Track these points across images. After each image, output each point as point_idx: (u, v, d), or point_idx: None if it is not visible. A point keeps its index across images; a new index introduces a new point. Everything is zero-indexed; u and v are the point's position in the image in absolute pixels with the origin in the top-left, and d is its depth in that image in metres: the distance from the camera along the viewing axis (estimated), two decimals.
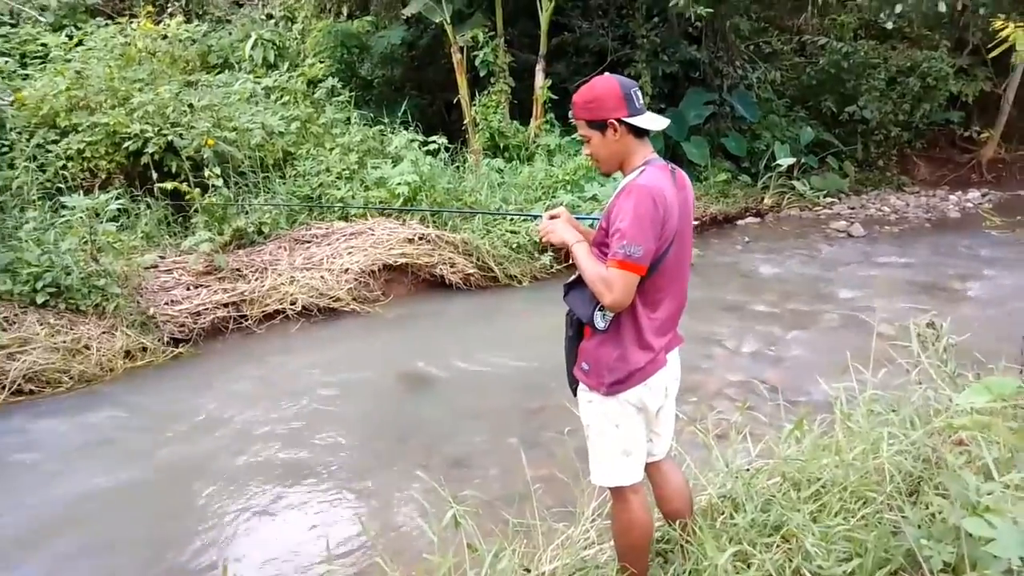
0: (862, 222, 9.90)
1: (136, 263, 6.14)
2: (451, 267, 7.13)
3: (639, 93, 2.16)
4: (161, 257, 6.62)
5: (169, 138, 7.05)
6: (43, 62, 8.40)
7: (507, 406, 4.73)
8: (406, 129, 8.63)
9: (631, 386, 2.17)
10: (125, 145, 7.00)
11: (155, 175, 7.00)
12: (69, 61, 7.91)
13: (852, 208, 10.93)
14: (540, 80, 9.60)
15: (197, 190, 6.79)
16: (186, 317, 5.96)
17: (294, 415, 4.70)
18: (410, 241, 7.12)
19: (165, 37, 9.47)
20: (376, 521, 3.48)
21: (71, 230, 5.82)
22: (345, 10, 11.27)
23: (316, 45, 10.45)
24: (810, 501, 2.54)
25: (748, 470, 2.88)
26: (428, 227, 7.34)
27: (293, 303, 6.35)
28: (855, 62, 11.84)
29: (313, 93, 9.33)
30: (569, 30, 10.82)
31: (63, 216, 6.05)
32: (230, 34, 10.34)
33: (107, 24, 9.45)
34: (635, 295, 2.09)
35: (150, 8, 10.47)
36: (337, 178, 7.79)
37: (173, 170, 7.05)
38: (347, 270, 6.71)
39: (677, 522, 2.45)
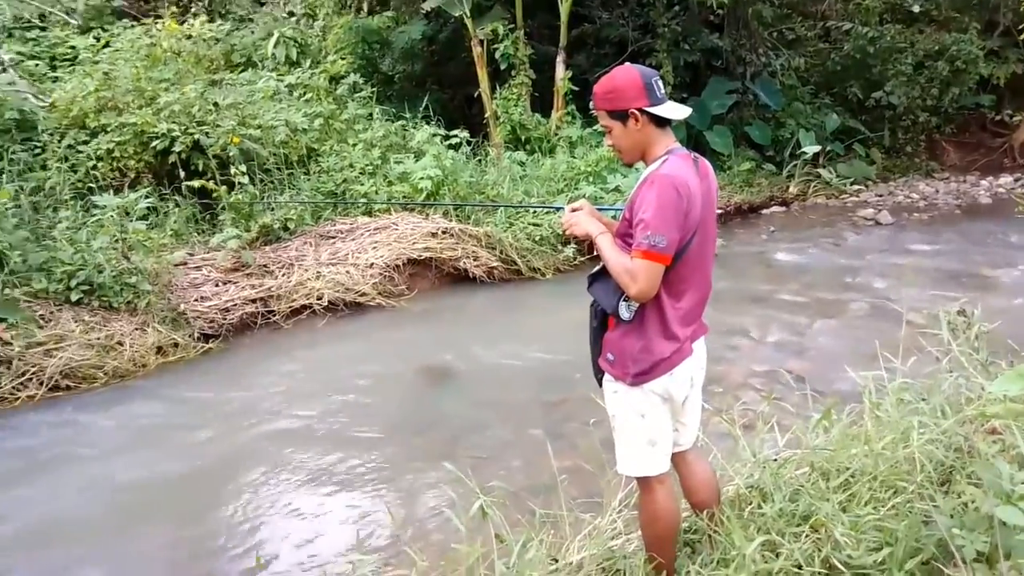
0: (890, 209, 9.74)
1: (166, 260, 6.25)
2: (474, 260, 7.16)
3: (660, 82, 2.15)
4: (190, 254, 6.72)
5: (195, 137, 7.15)
6: (72, 64, 8.56)
7: (531, 398, 4.75)
8: (428, 124, 8.67)
9: (656, 376, 2.17)
10: (153, 144, 7.11)
11: (182, 173, 7.11)
12: (97, 63, 8.05)
13: (880, 195, 10.76)
14: (560, 72, 9.58)
15: (224, 188, 6.88)
16: (215, 313, 6.05)
17: (322, 408, 4.76)
18: (433, 235, 7.15)
19: (189, 37, 9.60)
20: (403, 512, 3.52)
21: (102, 229, 5.94)
22: (365, 6, 11.32)
23: (337, 42, 10.52)
24: (839, 491, 2.52)
25: (775, 460, 2.87)
26: (451, 221, 7.37)
27: (319, 298, 6.42)
28: (881, 47, 11.62)
29: (335, 89, 9.40)
30: (589, 21, 10.76)
31: (94, 215, 6.17)
32: (252, 32, 10.44)
33: (133, 26, 9.59)
34: (660, 285, 2.09)
35: (174, 9, 10.61)
36: (360, 173, 7.84)
37: (200, 168, 7.16)
38: (372, 265, 6.77)
39: (704, 512, 2.45)
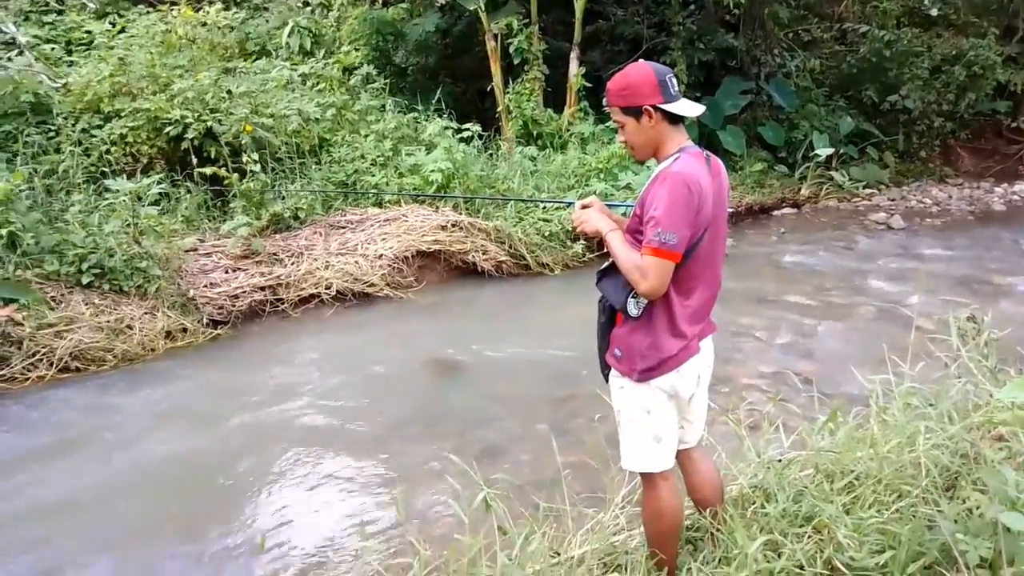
0: (902, 214, 9.69)
1: (176, 246, 6.28)
2: (483, 254, 7.16)
3: (674, 80, 2.15)
4: (200, 240, 6.76)
5: (208, 124, 7.18)
6: (88, 49, 8.60)
7: (537, 393, 4.76)
8: (440, 116, 8.66)
9: (663, 373, 2.17)
10: (166, 130, 7.15)
11: (195, 160, 7.14)
12: (112, 48, 8.08)
13: (892, 200, 10.69)
14: (574, 68, 9.55)
15: (235, 175, 6.91)
16: (225, 300, 6.08)
17: (329, 398, 4.79)
18: (443, 228, 7.16)
19: (204, 24, 9.63)
20: (407, 502, 3.53)
21: (115, 213, 5.97)
22: None
23: (352, 32, 10.52)
24: (843, 493, 2.52)
25: (780, 461, 2.87)
26: (461, 214, 7.38)
27: (328, 288, 6.44)
28: (898, 50, 11.53)
29: (348, 80, 9.41)
30: (604, 18, 10.73)
31: (107, 199, 6.21)
32: (267, 21, 10.45)
33: (148, 12, 9.63)
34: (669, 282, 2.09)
35: None
36: (372, 165, 7.86)
37: (212, 155, 7.19)
38: (381, 256, 6.79)
39: (707, 510, 2.45)
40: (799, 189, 10.77)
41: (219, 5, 10.36)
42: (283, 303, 6.34)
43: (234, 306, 6.10)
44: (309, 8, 11.20)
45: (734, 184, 9.74)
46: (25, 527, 3.49)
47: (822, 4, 12.94)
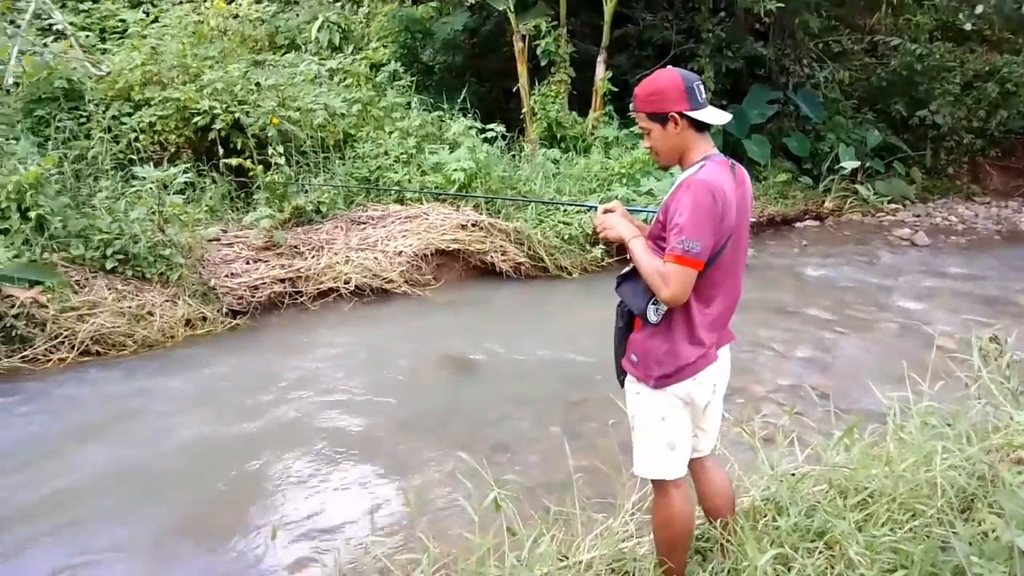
0: (927, 231, 9.57)
1: (200, 235, 6.35)
2: (502, 255, 7.17)
3: (702, 87, 2.14)
4: (223, 231, 6.83)
5: (236, 115, 7.26)
6: (121, 37, 8.72)
7: (550, 396, 4.76)
8: (464, 116, 8.69)
9: (679, 380, 2.17)
10: (194, 120, 7.23)
11: (221, 151, 7.22)
12: (145, 37, 8.18)
13: (917, 216, 10.56)
14: (601, 72, 9.54)
15: (260, 167, 6.98)
16: (245, 290, 6.15)
17: (344, 391, 4.82)
18: (463, 227, 7.18)
19: (236, 16, 9.74)
20: (418, 498, 3.55)
21: (141, 200, 6.05)
22: None
23: (380, 29, 10.59)
24: (856, 509, 2.50)
25: (793, 474, 2.85)
26: (481, 214, 7.40)
27: (347, 282, 6.48)
28: (929, 64, 11.40)
29: (375, 76, 9.46)
30: (633, 22, 10.70)
31: (133, 186, 6.29)
32: (297, 15, 10.54)
33: (182, 2, 9.75)
34: None
35: None
36: (395, 161, 7.90)
37: (238, 146, 7.26)
38: (400, 253, 6.82)
39: (718, 521, 2.44)
40: (823, 201, 10.68)
41: None
42: (302, 296, 6.39)
43: (253, 297, 6.16)
44: (339, 4, 11.29)
45: (757, 194, 9.67)
46: (48, 508, 3.55)
47: (854, 16, 12.82)
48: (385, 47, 10.16)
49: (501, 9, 9.20)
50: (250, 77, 7.74)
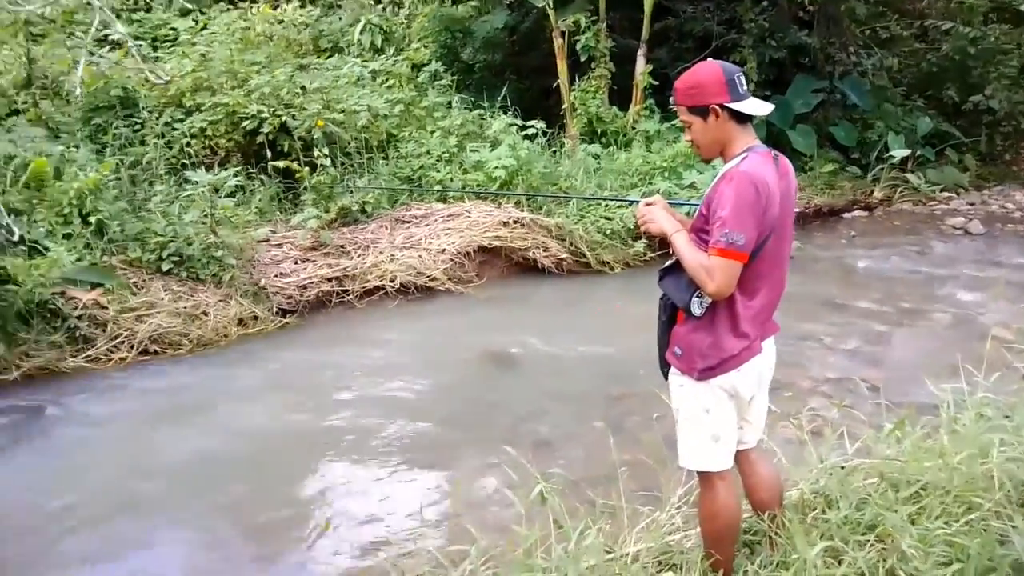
0: (982, 219, 9.25)
1: (250, 236, 6.52)
2: (544, 251, 7.20)
3: (743, 79, 2.14)
4: (272, 232, 7.00)
5: (283, 119, 7.42)
6: (172, 45, 9.00)
7: (593, 390, 4.77)
8: (505, 113, 8.73)
9: (723, 372, 2.17)
10: (243, 125, 7.43)
11: (269, 154, 7.40)
12: (195, 44, 8.44)
13: (971, 204, 10.21)
14: (641, 66, 9.47)
15: (306, 169, 7.13)
16: (293, 289, 6.29)
17: (391, 387, 4.91)
18: (505, 224, 7.22)
19: (281, 22, 9.96)
20: (464, 491, 3.60)
21: (193, 204, 6.25)
22: None
23: (421, 30, 10.70)
24: (909, 503, 2.47)
25: (843, 467, 2.81)
26: (523, 211, 7.42)
27: (392, 280, 6.58)
28: (983, 48, 11.00)
29: (417, 77, 9.58)
30: (673, 14, 10.58)
31: (186, 190, 6.50)
32: (340, 19, 10.73)
33: (229, 9, 10.01)
34: None
35: None
36: (437, 160, 7.98)
37: (285, 149, 7.44)
38: (444, 251, 6.90)
39: (766, 513, 2.43)
40: (871, 191, 10.40)
41: (296, 3, 10.70)
42: (349, 294, 6.51)
43: (302, 296, 6.30)
44: (381, 6, 11.45)
45: (803, 185, 9.47)
46: (121, 490, 3.74)
47: (903, 0, 12.45)
48: (426, 47, 10.28)
49: (540, 6, 9.21)
50: (295, 81, 7.92)
